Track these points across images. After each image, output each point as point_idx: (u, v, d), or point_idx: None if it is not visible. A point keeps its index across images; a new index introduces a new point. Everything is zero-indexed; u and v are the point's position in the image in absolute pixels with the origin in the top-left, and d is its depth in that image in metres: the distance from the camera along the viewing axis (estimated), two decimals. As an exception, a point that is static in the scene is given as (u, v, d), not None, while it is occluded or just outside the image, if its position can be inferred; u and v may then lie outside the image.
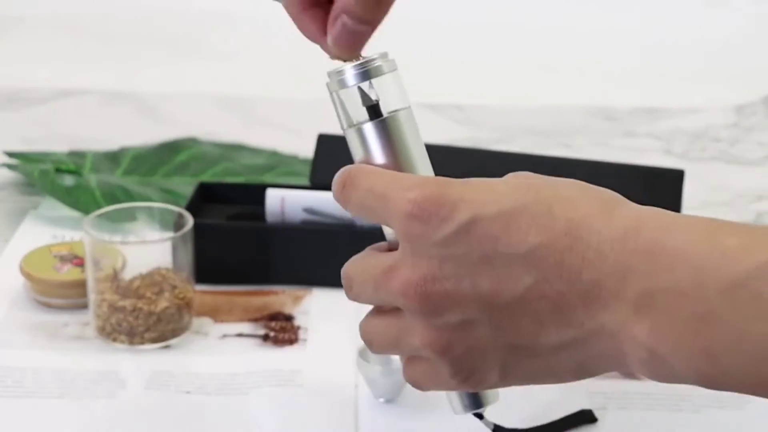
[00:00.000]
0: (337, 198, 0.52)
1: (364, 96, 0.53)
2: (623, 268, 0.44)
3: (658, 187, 0.93)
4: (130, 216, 0.82)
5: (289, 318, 0.81)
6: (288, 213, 0.86)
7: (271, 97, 1.29)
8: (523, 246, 0.46)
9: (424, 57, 1.45)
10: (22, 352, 0.76)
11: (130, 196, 0.95)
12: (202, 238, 0.80)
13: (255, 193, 0.90)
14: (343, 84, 0.54)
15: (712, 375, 0.43)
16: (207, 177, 1.02)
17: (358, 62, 0.54)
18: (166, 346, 0.77)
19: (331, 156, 0.91)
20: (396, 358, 0.67)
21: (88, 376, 0.73)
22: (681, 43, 1.53)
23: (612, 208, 0.47)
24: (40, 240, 0.89)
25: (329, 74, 0.55)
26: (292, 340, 0.78)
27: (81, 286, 0.79)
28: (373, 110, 0.53)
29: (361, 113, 0.54)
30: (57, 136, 1.18)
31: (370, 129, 0.53)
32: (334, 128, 0.94)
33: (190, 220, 0.78)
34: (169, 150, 1.07)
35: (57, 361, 0.75)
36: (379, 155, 0.53)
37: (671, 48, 1.52)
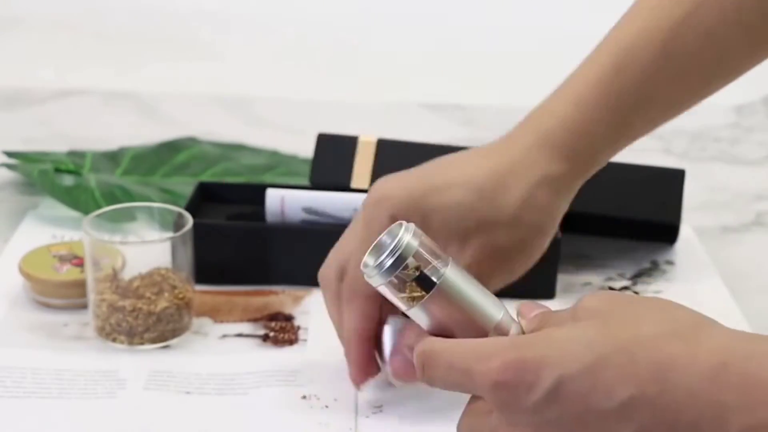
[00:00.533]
0: (421, 380, 0.53)
1: (409, 277, 0.54)
2: (719, 406, 0.44)
3: (659, 187, 0.93)
4: (129, 216, 0.82)
5: (289, 318, 0.81)
6: (288, 213, 0.86)
7: (271, 97, 1.29)
8: (615, 400, 0.46)
9: (425, 56, 1.45)
10: (21, 352, 0.76)
11: (129, 196, 0.95)
12: (201, 238, 0.80)
13: (255, 193, 0.89)
14: (386, 276, 0.54)
15: None
16: (207, 177, 1.02)
17: (389, 250, 0.54)
18: (166, 347, 0.77)
19: (331, 156, 0.91)
20: None
21: (87, 377, 0.73)
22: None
23: (696, 339, 0.46)
24: (40, 240, 0.89)
25: (366, 272, 0.55)
26: (292, 341, 0.78)
27: (80, 286, 0.79)
28: (424, 281, 0.54)
29: (414, 289, 0.54)
30: (56, 136, 1.18)
31: (429, 302, 0.54)
32: (334, 128, 0.94)
33: (189, 220, 0.78)
34: (169, 150, 1.07)
35: (56, 361, 0.75)
36: (448, 319, 0.53)
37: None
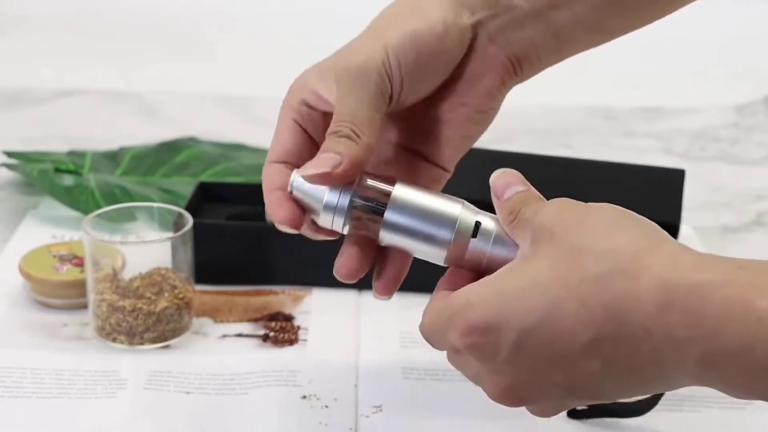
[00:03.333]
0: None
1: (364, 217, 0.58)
2: (673, 339, 0.47)
3: (659, 187, 0.93)
4: (129, 216, 0.82)
5: (288, 318, 0.81)
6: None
7: (271, 96, 1.28)
8: (577, 343, 0.49)
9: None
10: (21, 352, 0.76)
11: (129, 196, 0.95)
12: (201, 238, 0.80)
13: (255, 193, 0.89)
14: (342, 227, 0.58)
15: None
16: (207, 177, 1.02)
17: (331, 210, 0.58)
18: (166, 346, 0.77)
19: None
20: None
21: (87, 377, 0.73)
22: (681, 43, 1.53)
23: (638, 275, 0.48)
24: (40, 240, 0.89)
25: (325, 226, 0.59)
26: (291, 341, 0.78)
27: (80, 286, 0.79)
28: (376, 212, 0.57)
29: (375, 220, 0.58)
30: (56, 135, 1.18)
31: (387, 227, 0.57)
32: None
33: (189, 220, 0.78)
34: (169, 150, 1.07)
35: (56, 361, 0.75)
36: (412, 234, 0.57)
37: (671, 48, 1.51)
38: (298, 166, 0.58)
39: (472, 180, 0.93)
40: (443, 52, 0.60)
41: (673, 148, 1.20)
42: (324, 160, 0.56)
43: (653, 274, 0.48)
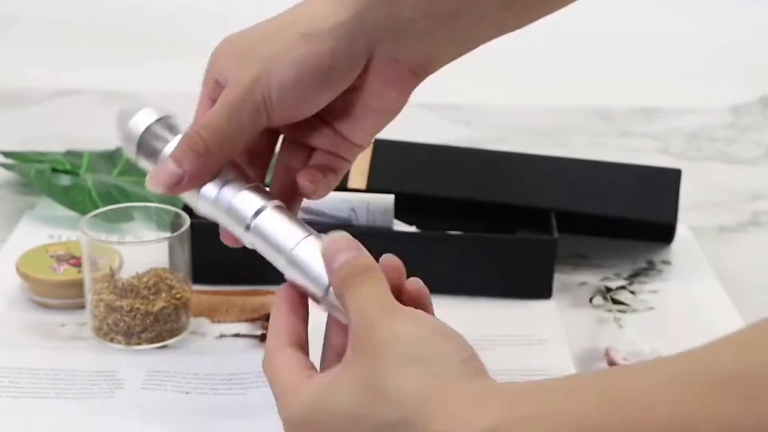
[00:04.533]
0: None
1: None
2: None
3: (655, 187, 0.93)
4: (126, 216, 0.82)
5: (286, 318, 0.81)
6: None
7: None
8: None
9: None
10: (18, 352, 0.76)
11: (126, 196, 0.95)
12: (199, 238, 0.80)
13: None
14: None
15: None
16: (204, 177, 1.02)
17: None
18: (163, 346, 0.77)
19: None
20: None
21: (85, 377, 0.73)
22: (677, 43, 1.53)
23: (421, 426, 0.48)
24: (37, 240, 0.89)
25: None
26: (289, 340, 0.78)
27: (78, 286, 0.79)
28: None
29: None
30: (53, 136, 1.18)
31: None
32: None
33: (186, 220, 0.78)
34: (166, 150, 1.07)
35: (54, 361, 0.75)
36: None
37: (667, 48, 1.52)
38: None
39: (470, 180, 0.94)
40: (330, 81, 0.61)
41: (670, 148, 1.20)
42: (166, 174, 0.60)
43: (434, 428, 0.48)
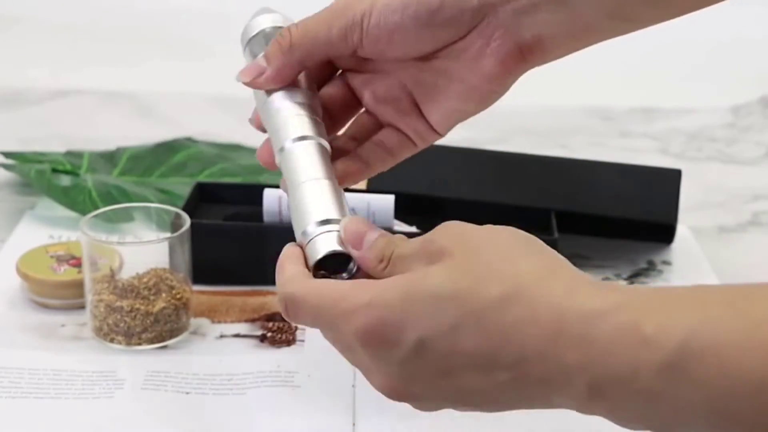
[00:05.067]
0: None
1: None
2: (563, 365, 0.48)
3: (655, 187, 0.93)
4: (127, 216, 0.82)
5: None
6: (285, 213, 0.86)
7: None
8: (472, 361, 0.50)
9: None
10: (18, 352, 0.76)
11: (126, 197, 0.95)
12: (199, 238, 0.80)
13: (252, 194, 0.89)
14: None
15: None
16: (204, 177, 1.02)
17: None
18: (164, 347, 0.77)
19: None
20: None
21: (85, 377, 0.73)
22: (677, 44, 1.53)
23: (536, 300, 0.49)
24: (37, 240, 0.89)
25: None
26: (289, 341, 0.78)
27: (78, 286, 0.79)
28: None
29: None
30: (53, 136, 1.18)
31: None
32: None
33: (187, 221, 0.78)
34: (166, 150, 1.07)
35: (54, 361, 0.75)
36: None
37: (667, 48, 1.52)
38: None
39: (470, 180, 0.94)
40: (433, 22, 0.59)
41: (670, 149, 1.20)
42: (251, 67, 0.61)
43: (550, 301, 0.48)
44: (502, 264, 0.50)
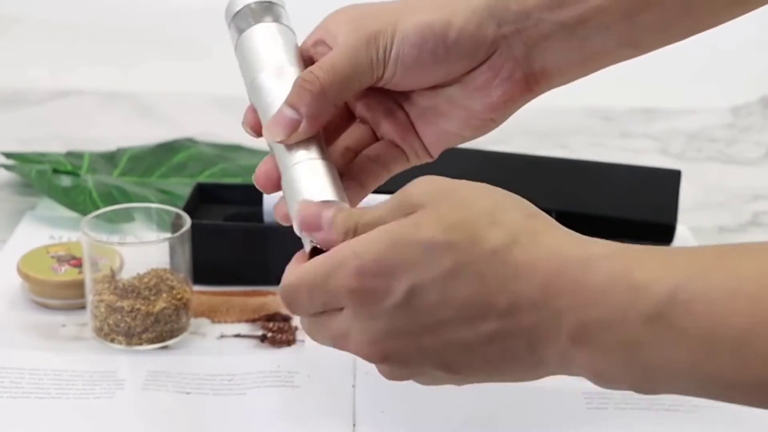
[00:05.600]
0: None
1: None
2: (555, 309, 0.48)
3: (655, 188, 0.93)
4: (127, 217, 0.82)
5: (286, 319, 0.81)
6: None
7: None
8: (464, 312, 0.50)
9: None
10: (19, 352, 0.76)
11: (127, 197, 0.95)
12: (199, 238, 0.80)
13: (252, 194, 0.89)
14: None
15: (647, 389, 0.49)
16: (204, 178, 1.02)
17: None
18: (164, 347, 0.77)
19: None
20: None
21: (85, 377, 0.73)
22: (677, 44, 1.53)
23: (535, 247, 0.49)
24: (38, 241, 0.89)
25: None
26: (289, 341, 0.79)
27: (78, 286, 0.79)
28: None
29: None
30: (54, 136, 1.18)
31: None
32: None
33: (187, 221, 0.78)
34: (167, 151, 1.07)
35: (54, 361, 0.75)
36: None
37: (668, 48, 1.52)
38: None
39: (470, 180, 0.94)
40: (450, 55, 0.59)
41: (670, 149, 1.20)
42: (283, 120, 0.58)
43: (551, 249, 0.49)
44: (496, 214, 0.50)
